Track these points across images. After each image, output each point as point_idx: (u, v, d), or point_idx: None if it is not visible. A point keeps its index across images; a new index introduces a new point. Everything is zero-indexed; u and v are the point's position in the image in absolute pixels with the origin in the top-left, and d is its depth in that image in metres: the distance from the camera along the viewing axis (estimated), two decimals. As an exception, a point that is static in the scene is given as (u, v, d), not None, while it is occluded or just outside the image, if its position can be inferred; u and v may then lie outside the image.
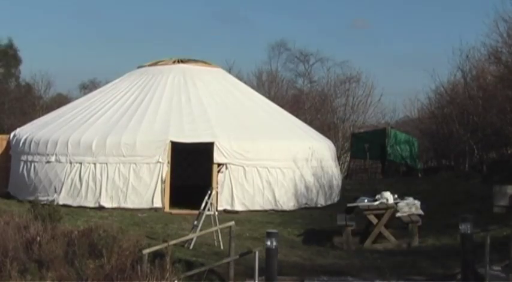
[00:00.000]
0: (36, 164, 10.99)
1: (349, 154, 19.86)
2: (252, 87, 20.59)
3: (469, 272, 5.17)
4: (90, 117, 11.88)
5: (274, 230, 5.47)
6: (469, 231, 5.19)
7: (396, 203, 7.59)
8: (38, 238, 6.08)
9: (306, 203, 11.14)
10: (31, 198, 9.88)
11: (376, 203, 7.45)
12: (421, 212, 7.74)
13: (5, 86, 24.35)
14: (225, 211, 9.97)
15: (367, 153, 18.19)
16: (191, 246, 6.99)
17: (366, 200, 7.65)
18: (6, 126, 19.10)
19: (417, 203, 7.80)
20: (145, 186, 11.30)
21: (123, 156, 10.82)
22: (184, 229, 8.13)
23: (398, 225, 8.05)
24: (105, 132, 10.99)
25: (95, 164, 10.74)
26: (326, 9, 41.72)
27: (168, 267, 5.42)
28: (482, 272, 5.23)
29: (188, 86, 14.18)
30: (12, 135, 12.08)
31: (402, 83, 39.58)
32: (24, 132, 11.98)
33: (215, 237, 7.12)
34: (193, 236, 6.81)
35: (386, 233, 7.62)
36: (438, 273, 5.85)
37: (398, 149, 18.40)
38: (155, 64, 13.12)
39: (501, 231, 6.42)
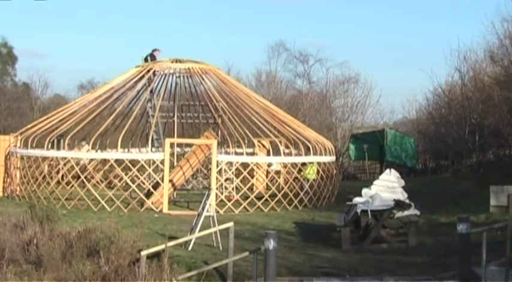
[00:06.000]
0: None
1: (348, 154, 19.89)
2: (251, 87, 20.60)
3: (466, 271, 5.18)
4: (88, 116, 11.87)
5: (273, 230, 5.46)
6: (466, 231, 5.20)
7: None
8: (35, 239, 6.04)
9: (304, 203, 11.15)
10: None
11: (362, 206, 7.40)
12: (417, 212, 7.76)
13: (1, 85, 24.25)
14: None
15: (365, 154, 18.22)
16: (190, 247, 6.97)
17: (360, 202, 7.63)
18: (3, 127, 18.99)
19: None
20: (144, 186, 11.30)
21: (122, 155, 10.82)
22: (183, 230, 8.11)
23: (397, 225, 8.06)
24: (104, 131, 10.97)
25: (92, 162, 10.70)
26: (325, 10, 41.84)
27: (166, 268, 5.40)
28: (479, 272, 5.24)
29: (186, 86, 14.16)
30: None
31: (401, 84, 39.75)
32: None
33: (214, 238, 7.11)
34: (192, 237, 6.79)
35: (384, 233, 7.63)
36: (436, 272, 5.85)
37: (397, 150, 18.45)
38: (153, 64, 13.11)
39: (498, 231, 6.43)
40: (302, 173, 11.76)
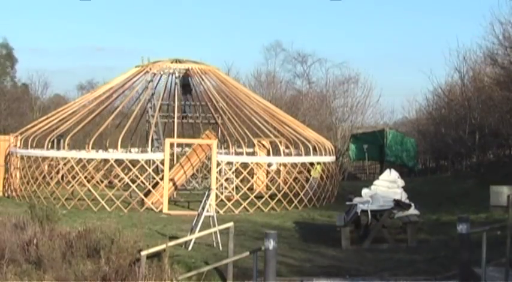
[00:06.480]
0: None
1: (347, 154, 19.90)
2: (251, 88, 20.59)
3: (466, 271, 5.19)
4: (88, 116, 11.87)
5: (273, 230, 5.46)
6: (466, 231, 5.20)
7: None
8: (35, 239, 6.04)
9: (304, 203, 11.16)
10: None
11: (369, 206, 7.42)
12: (417, 212, 7.76)
13: (1, 86, 24.28)
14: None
15: (365, 154, 18.24)
16: (190, 247, 6.97)
17: (360, 202, 7.63)
18: (3, 127, 18.98)
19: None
20: (144, 186, 11.31)
21: (122, 155, 10.83)
22: (183, 230, 8.11)
23: (397, 225, 8.07)
24: (103, 131, 10.97)
25: (92, 162, 10.69)
26: (324, 10, 41.87)
27: (166, 268, 5.41)
28: (479, 272, 5.24)
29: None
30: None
31: (401, 84, 39.82)
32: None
33: (214, 238, 7.11)
34: (192, 237, 6.79)
35: (384, 233, 7.64)
36: (436, 272, 5.86)
37: (397, 150, 18.46)
38: (153, 64, 13.12)
39: (498, 231, 6.43)
40: (312, 172, 11.77)
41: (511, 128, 13.20)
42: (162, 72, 13.23)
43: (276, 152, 12.01)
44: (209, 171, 12.31)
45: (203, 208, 7.45)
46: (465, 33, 38.23)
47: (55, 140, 11.93)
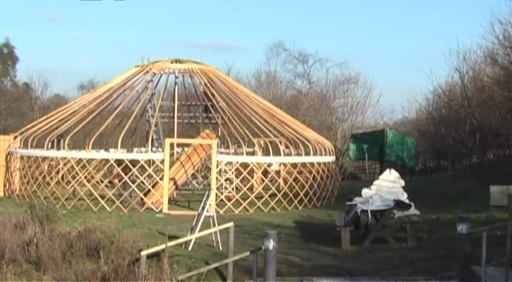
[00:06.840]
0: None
1: (347, 154, 19.90)
2: (251, 88, 20.61)
3: (466, 271, 5.19)
4: (88, 116, 11.87)
5: (273, 229, 5.46)
6: (466, 231, 5.21)
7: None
8: (35, 239, 6.05)
9: (304, 203, 11.16)
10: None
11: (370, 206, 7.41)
12: (417, 212, 7.76)
13: (1, 85, 24.32)
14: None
15: (365, 154, 18.24)
16: (190, 247, 6.97)
17: (360, 202, 7.63)
18: (3, 127, 19.00)
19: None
20: (144, 186, 11.32)
21: (122, 156, 10.83)
22: (183, 230, 8.11)
23: (397, 225, 8.07)
24: (103, 131, 10.97)
25: (92, 162, 10.69)
26: (325, 9, 41.88)
27: (166, 268, 5.41)
28: (479, 272, 5.24)
29: (186, 86, 14.14)
30: None
31: (401, 84, 39.85)
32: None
33: (214, 238, 7.12)
34: (192, 237, 6.80)
35: (384, 233, 7.64)
36: (436, 272, 5.86)
37: (397, 150, 18.46)
38: (153, 64, 13.13)
39: (498, 231, 6.43)
40: None
41: (511, 128, 13.21)
42: (162, 72, 13.23)
43: (276, 152, 12.01)
44: (209, 171, 12.32)
45: (203, 208, 7.45)
46: (465, 33, 38.31)
47: (55, 140, 11.93)
